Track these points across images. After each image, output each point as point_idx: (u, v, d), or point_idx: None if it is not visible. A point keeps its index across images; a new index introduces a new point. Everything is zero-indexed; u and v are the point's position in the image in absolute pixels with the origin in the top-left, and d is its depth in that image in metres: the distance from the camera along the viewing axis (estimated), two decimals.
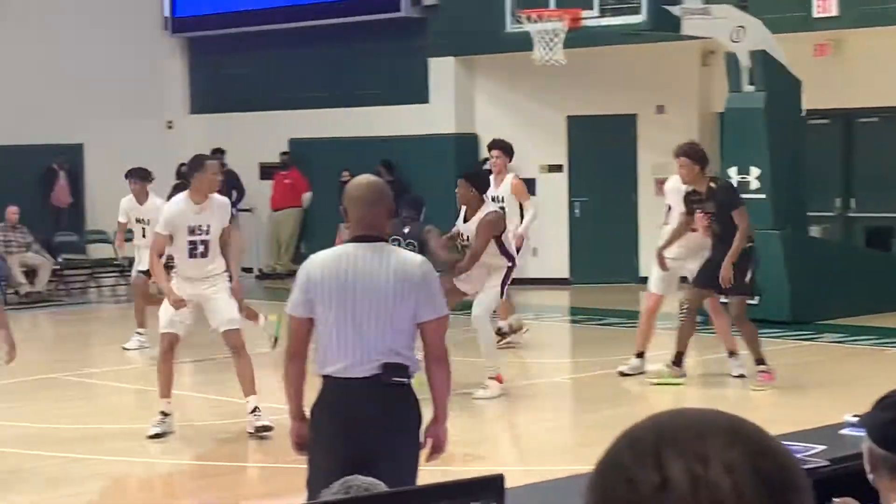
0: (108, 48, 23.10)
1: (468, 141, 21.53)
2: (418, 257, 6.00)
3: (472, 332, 12.05)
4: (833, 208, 19.17)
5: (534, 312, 17.51)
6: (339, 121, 22.35)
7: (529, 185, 21.47)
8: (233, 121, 23.64)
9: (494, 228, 11.74)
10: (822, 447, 5.24)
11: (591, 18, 16.79)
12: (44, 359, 14.40)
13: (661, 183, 19.22)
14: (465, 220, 11.95)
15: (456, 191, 12.05)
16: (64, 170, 22.46)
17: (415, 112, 21.59)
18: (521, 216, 14.29)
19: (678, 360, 12.29)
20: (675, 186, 12.60)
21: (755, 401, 11.65)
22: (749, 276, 11.94)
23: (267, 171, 23.36)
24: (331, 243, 7.48)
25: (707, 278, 12.03)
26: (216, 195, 10.55)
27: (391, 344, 5.68)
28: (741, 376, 12.44)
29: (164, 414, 10.48)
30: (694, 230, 12.34)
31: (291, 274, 16.40)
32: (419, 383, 5.85)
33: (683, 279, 13.16)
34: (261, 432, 10.24)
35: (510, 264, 11.99)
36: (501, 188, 14.13)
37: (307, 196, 23.03)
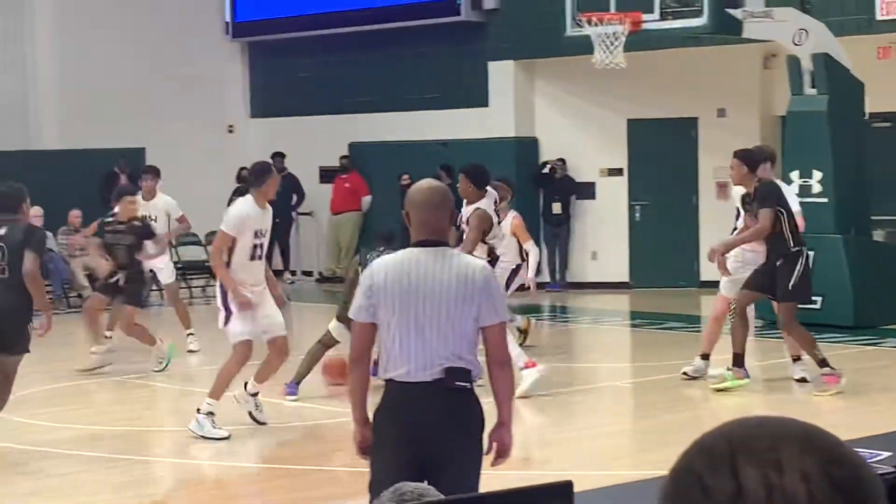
0: (170, 52, 23.28)
1: (528, 145, 21.52)
2: (480, 262, 6.01)
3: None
4: None
5: (593, 316, 17.44)
6: (398, 124, 22.38)
7: (589, 189, 21.58)
8: (293, 125, 23.73)
9: (483, 222, 11.77)
10: (888, 453, 5.21)
11: (652, 22, 16.69)
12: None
13: (721, 186, 19.15)
14: None
15: (457, 185, 12.15)
16: (125, 173, 22.60)
17: (474, 116, 21.58)
18: (521, 254, 13.90)
19: (738, 362, 12.21)
20: (739, 190, 12.56)
21: (818, 406, 11.56)
22: (794, 280, 11.81)
23: (327, 175, 23.45)
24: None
25: (756, 281, 11.97)
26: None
27: (454, 348, 5.70)
28: (803, 380, 12.36)
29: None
30: None
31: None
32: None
33: None
34: (255, 419, 10.79)
35: (518, 262, 12.18)
36: (503, 226, 13.75)
37: (367, 200, 23.08)
